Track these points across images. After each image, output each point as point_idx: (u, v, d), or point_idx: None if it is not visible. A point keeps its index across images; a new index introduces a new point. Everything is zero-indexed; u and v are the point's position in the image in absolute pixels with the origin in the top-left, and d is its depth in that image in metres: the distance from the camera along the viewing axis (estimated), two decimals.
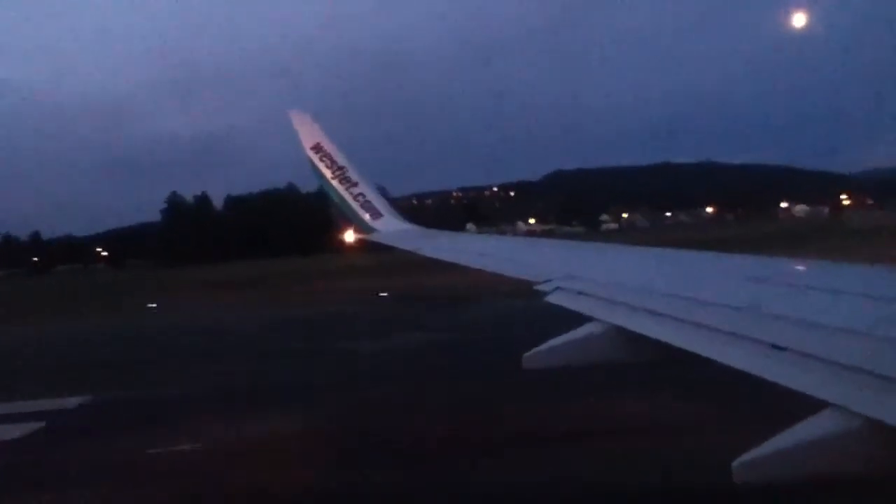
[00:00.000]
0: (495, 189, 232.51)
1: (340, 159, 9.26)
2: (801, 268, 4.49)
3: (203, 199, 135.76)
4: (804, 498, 6.45)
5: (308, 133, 9.30)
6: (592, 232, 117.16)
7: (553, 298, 4.69)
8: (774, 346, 2.84)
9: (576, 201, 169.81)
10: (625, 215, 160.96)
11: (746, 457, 2.29)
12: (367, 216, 9.15)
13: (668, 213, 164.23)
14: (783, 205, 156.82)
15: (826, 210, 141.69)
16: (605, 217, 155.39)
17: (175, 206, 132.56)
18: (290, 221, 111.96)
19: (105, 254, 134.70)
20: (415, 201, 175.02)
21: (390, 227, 9.10)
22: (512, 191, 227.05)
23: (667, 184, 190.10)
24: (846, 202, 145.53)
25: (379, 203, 9.37)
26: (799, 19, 13.41)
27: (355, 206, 9.16)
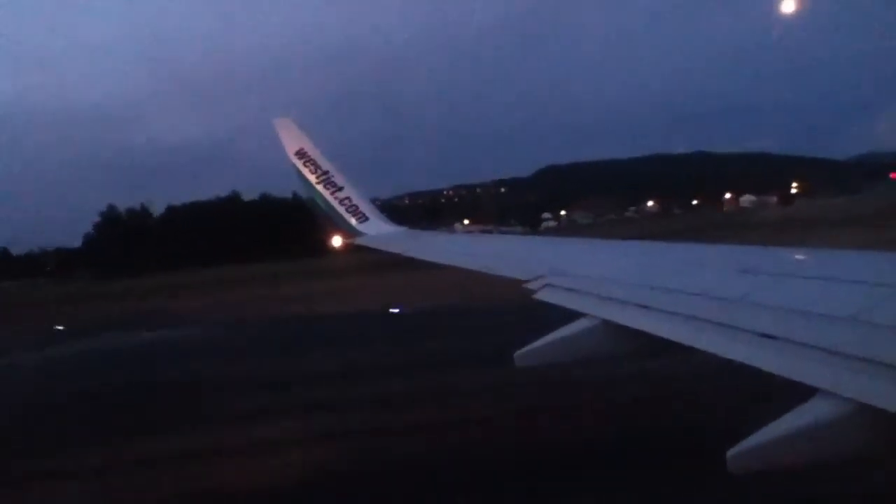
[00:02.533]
0: (487, 185, 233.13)
1: (325, 164, 9.22)
2: (788, 257, 4.49)
3: (138, 212, 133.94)
4: (799, 484, 6.48)
5: (291, 139, 9.26)
6: (532, 230, 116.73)
7: (542, 295, 4.68)
8: (764, 335, 2.87)
9: (561, 196, 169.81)
10: (563, 212, 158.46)
11: (741, 446, 2.31)
12: (353, 220, 9.12)
13: (632, 208, 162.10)
14: (727, 195, 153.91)
15: (774, 199, 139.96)
16: (546, 215, 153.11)
17: (111, 219, 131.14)
18: (234, 229, 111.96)
19: (48, 269, 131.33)
20: (407, 201, 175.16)
21: (377, 230, 9.08)
22: (503, 187, 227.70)
23: (660, 175, 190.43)
24: (795, 190, 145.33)
25: (365, 206, 9.34)
26: (788, 5, 13.42)
27: (341, 210, 9.12)
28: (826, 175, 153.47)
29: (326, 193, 9.12)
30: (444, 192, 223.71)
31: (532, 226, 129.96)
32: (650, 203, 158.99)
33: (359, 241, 9.13)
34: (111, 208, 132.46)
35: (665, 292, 3.89)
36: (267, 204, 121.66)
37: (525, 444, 11.13)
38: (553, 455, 10.24)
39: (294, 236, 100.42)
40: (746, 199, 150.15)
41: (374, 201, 10.74)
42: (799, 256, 4.43)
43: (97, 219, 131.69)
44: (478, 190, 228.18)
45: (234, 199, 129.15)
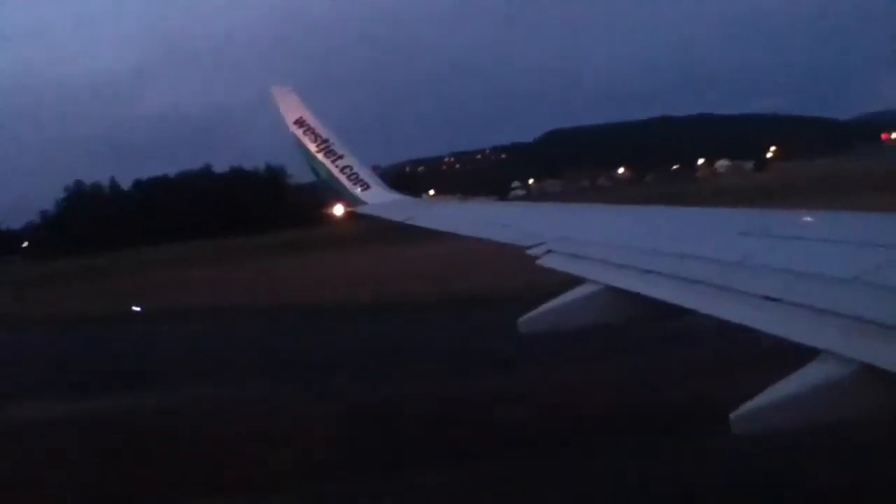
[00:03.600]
0: (488, 152, 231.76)
1: (324, 132, 9.15)
2: (790, 219, 4.50)
3: (103, 186, 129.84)
4: (803, 445, 6.58)
5: (291, 108, 9.16)
6: (500, 201, 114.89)
7: (545, 261, 4.69)
8: (767, 298, 2.87)
9: (566, 161, 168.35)
10: (531, 181, 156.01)
11: (744, 408, 2.32)
12: (355, 188, 9.09)
13: (620, 172, 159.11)
14: (700, 161, 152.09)
15: (751, 164, 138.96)
16: (515, 184, 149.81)
17: (77, 193, 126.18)
18: (204, 202, 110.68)
19: (25, 245, 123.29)
20: (407, 169, 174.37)
21: (379, 199, 9.05)
22: (504, 153, 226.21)
23: (664, 137, 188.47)
24: (771, 155, 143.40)
25: (366, 175, 9.29)
26: None
27: (342, 178, 9.07)
28: (827, 135, 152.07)
29: (327, 162, 9.06)
30: (444, 160, 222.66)
31: (501, 195, 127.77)
32: (620, 170, 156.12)
33: (360, 209, 9.10)
34: (77, 183, 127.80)
35: (668, 257, 3.91)
36: (239, 177, 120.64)
37: None
38: None
39: (271, 209, 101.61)
40: (721, 164, 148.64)
41: (374, 169, 10.68)
42: (800, 218, 4.44)
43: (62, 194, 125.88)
44: (478, 156, 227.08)
45: (204, 173, 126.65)
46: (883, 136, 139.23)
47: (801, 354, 2.43)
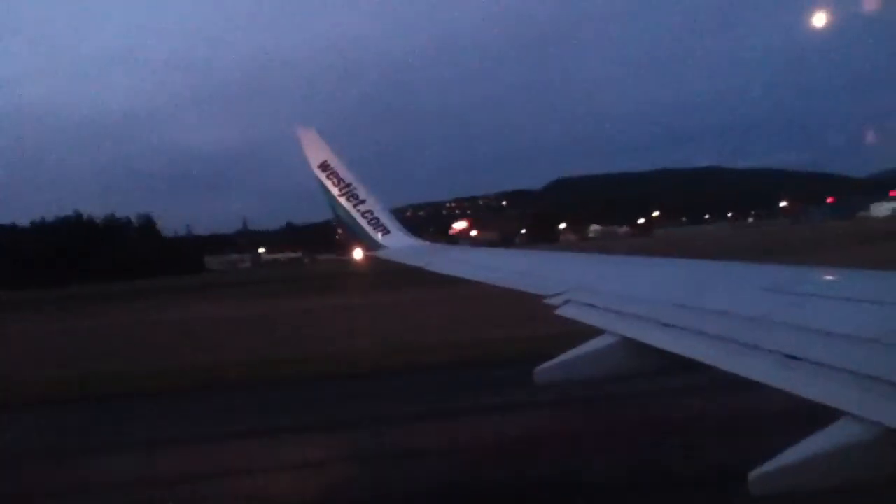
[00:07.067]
0: (490, 198, 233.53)
1: (347, 176, 9.27)
2: (812, 276, 4.51)
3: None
4: None
5: (315, 150, 9.30)
6: None
7: (563, 311, 4.75)
8: (788, 356, 2.85)
9: (570, 209, 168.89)
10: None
11: (763, 469, 2.30)
12: (374, 233, 9.17)
13: (524, 231, 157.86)
14: (561, 226, 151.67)
15: (624, 229, 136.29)
16: None
17: None
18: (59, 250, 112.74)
19: None
20: (409, 213, 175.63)
21: (398, 244, 9.10)
22: (505, 200, 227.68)
23: (671, 188, 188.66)
24: (650, 218, 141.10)
25: (387, 219, 9.36)
26: (819, 19, 13.67)
27: (363, 222, 9.16)
28: (841, 191, 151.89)
29: (349, 206, 9.16)
30: (446, 204, 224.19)
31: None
32: (474, 232, 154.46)
33: (380, 254, 9.17)
34: None
35: (687, 310, 3.85)
36: (109, 226, 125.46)
37: None
38: None
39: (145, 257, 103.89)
40: (594, 228, 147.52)
41: None
42: (824, 275, 4.34)
43: None
44: (480, 202, 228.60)
45: (72, 220, 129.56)
46: (891, 192, 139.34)
47: (822, 415, 2.37)
